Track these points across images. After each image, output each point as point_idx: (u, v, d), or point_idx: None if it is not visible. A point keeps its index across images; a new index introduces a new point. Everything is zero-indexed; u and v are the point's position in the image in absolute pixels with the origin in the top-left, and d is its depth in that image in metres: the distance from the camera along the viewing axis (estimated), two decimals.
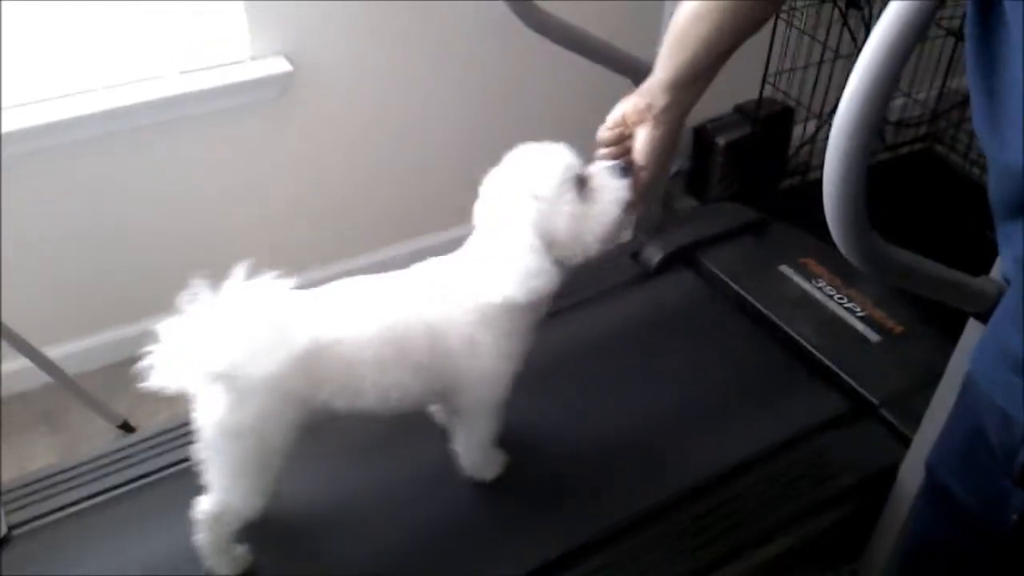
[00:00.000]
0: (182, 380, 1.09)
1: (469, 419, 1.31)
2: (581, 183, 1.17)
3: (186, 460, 1.44)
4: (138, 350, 2.19)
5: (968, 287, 1.10)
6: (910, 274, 1.02)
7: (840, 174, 0.83)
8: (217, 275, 2.16)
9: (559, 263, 1.17)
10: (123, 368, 2.02)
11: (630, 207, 1.18)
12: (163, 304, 2.15)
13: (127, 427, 1.85)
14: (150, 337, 1.09)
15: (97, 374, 2.00)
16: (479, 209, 1.21)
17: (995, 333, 0.88)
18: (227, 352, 1.07)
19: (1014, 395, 0.81)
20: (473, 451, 1.35)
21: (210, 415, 1.15)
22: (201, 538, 1.24)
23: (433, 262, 1.25)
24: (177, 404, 1.94)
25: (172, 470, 1.45)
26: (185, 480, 1.41)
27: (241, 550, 1.28)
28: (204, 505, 1.23)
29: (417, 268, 1.25)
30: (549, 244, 1.15)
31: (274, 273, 1.10)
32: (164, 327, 1.09)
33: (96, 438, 1.84)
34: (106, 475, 1.44)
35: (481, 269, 1.18)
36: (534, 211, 1.14)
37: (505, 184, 1.18)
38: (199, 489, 1.40)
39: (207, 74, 1.87)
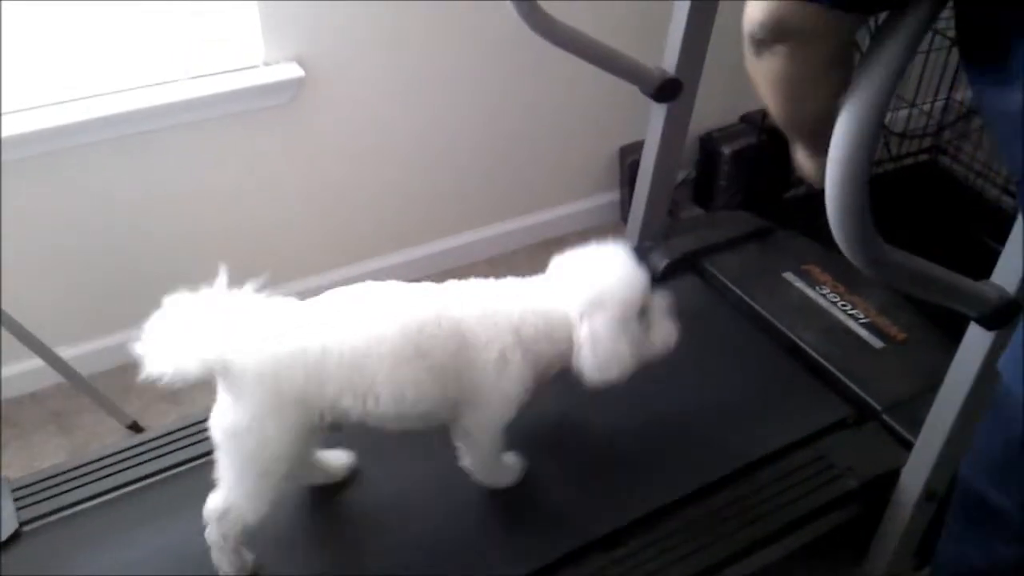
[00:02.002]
0: (173, 367, 1.13)
1: (473, 439, 1.32)
2: (643, 311, 1.27)
3: (195, 459, 1.47)
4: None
5: (970, 291, 1.12)
6: (912, 277, 1.03)
7: (844, 176, 0.85)
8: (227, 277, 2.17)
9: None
10: (132, 370, 2.06)
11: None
12: None
13: (136, 428, 1.86)
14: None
15: (107, 375, 2.02)
16: (557, 268, 1.29)
17: None
18: (213, 341, 1.12)
19: None
20: (483, 465, 1.36)
21: (215, 414, 1.19)
22: (208, 533, 1.26)
23: (470, 284, 1.28)
24: (186, 405, 1.98)
25: (181, 469, 1.46)
26: (194, 479, 1.44)
27: (248, 556, 1.28)
28: (212, 501, 1.25)
29: (449, 285, 1.28)
30: None
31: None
32: (156, 316, 1.15)
33: (106, 439, 1.86)
34: (117, 473, 1.45)
35: (543, 311, 1.25)
36: (619, 314, 1.24)
37: (594, 279, 1.25)
38: (208, 487, 1.43)
39: (220, 79, 1.89)
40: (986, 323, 1.16)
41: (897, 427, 1.48)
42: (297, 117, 2.01)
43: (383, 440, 1.35)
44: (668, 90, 1.67)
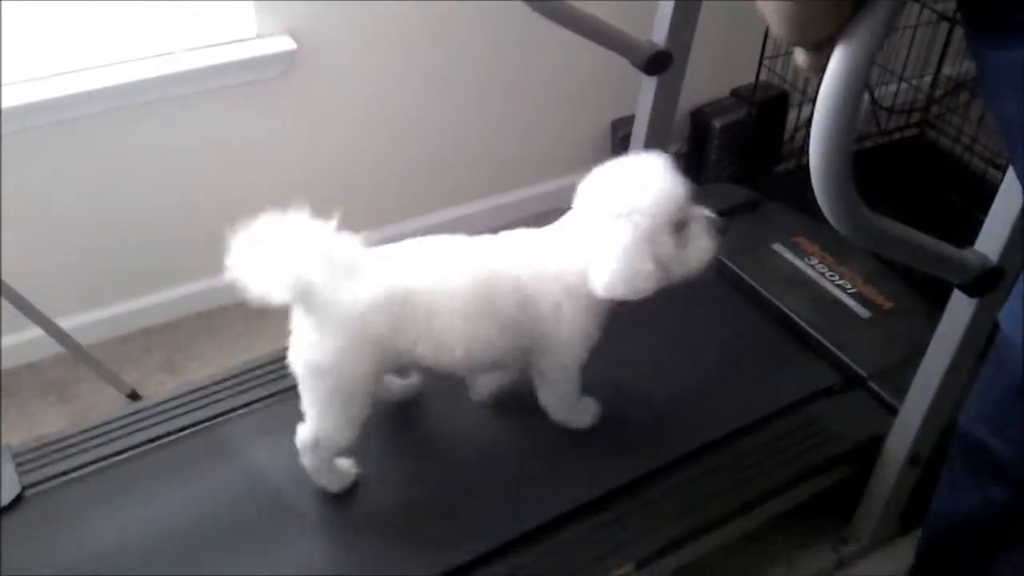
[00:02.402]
0: (266, 289, 1.15)
1: (551, 380, 1.37)
2: (680, 224, 1.23)
3: (193, 426, 1.50)
4: (146, 323, 2.24)
5: (953, 258, 1.14)
6: (895, 243, 1.06)
7: (827, 142, 0.87)
8: (222, 249, 2.20)
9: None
10: (131, 341, 2.08)
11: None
12: (169, 277, 2.20)
13: (135, 396, 1.89)
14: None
15: (105, 346, 2.04)
16: (583, 193, 1.27)
17: None
18: (309, 267, 1.16)
19: None
20: (561, 406, 1.41)
21: (298, 352, 1.23)
22: (304, 461, 1.32)
23: (525, 232, 1.31)
24: (184, 375, 2.01)
25: (180, 435, 1.49)
26: (192, 444, 1.47)
27: (346, 464, 1.35)
28: (301, 433, 1.31)
29: (508, 234, 1.31)
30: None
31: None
32: (247, 236, 1.19)
33: (105, 408, 1.87)
34: (117, 439, 1.48)
35: (581, 250, 1.24)
36: (645, 226, 1.20)
37: (622, 187, 1.22)
38: (205, 453, 1.46)
39: (212, 51, 1.90)
40: (969, 290, 1.19)
41: (882, 393, 1.51)
42: (289, 90, 2.02)
43: None
44: (658, 62, 1.68)
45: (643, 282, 1.21)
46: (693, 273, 1.26)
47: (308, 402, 1.27)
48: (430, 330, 1.23)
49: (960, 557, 1.13)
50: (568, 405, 1.41)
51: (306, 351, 1.22)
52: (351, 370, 1.23)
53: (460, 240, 1.29)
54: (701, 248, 1.25)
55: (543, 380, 1.37)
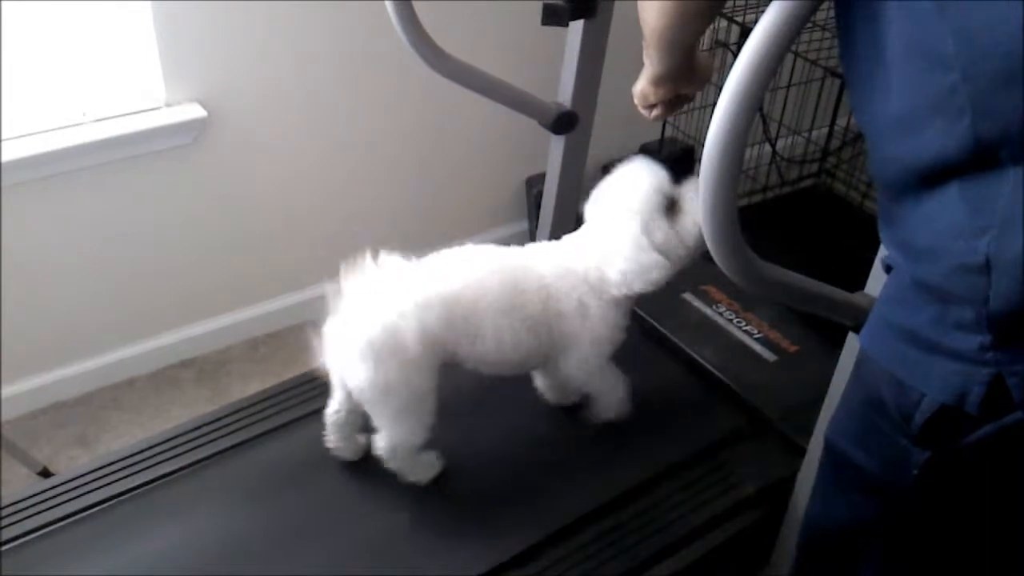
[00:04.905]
0: (346, 352, 1.29)
1: (576, 377, 1.47)
2: (671, 204, 1.35)
3: (106, 501, 1.47)
4: (54, 398, 2.18)
5: (844, 302, 1.20)
6: (788, 290, 1.11)
7: (714, 193, 0.92)
8: (131, 320, 2.16)
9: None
10: (41, 416, 2.03)
11: None
12: (81, 351, 2.15)
13: (46, 473, 1.84)
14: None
15: (15, 423, 1.99)
16: (590, 210, 1.42)
17: (882, 311, 0.94)
18: (376, 323, 1.26)
19: (906, 363, 0.88)
20: (605, 400, 1.52)
21: (362, 376, 1.30)
22: (390, 466, 1.42)
23: (547, 244, 1.45)
24: (96, 448, 1.96)
25: (93, 511, 1.46)
26: (106, 519, 1.45)
27: (429, 457, 1.45)
28: (379, 442, 1.40)
29: (532, 246, 1.46)
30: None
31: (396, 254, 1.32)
32: (329, 320, 1.29)
33: (16, 486, 1.82)
34: (28, 518, 1.44)
35: (597, 256, 1.37)
36: (637, 223, 1.33)
37: (613, 195, 1.39)
38: (124, 527, 1.43)
39: (122, 121, 1.90)
40: (860, 331, 1.24)
41: (790, 434, 1.56)
42: (201, 157, 2.03)
43: None
44: (565, 122, 1.74)
45: (653, 272, 1.35)
46: (696, 246, 1.36)
47: (380, 417, 1.37)
48: (468, 326, 1.34)
49: (831, 568, 1.16)
50: (613, 398, 1.52)
51: (372, 374, 1.28)
52: (417, 380, 1.32)
53: (491, 248, 1.41)
54: (693, 218, 1.35)
55: (568, 378, 1.48)
